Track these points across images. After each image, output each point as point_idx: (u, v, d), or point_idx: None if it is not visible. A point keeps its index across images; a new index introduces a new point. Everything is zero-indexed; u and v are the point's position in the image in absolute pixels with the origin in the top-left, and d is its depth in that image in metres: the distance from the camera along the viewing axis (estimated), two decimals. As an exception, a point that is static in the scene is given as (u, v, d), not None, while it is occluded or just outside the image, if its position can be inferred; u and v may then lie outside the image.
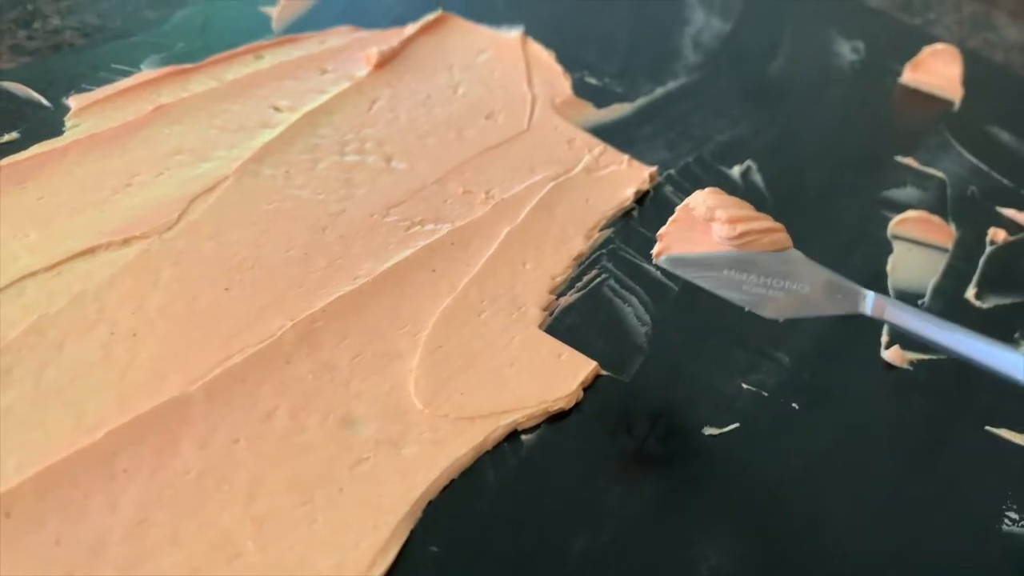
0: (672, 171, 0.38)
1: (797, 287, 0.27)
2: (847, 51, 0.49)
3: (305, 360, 0.28)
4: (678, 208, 0.28)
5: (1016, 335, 0.35)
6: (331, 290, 0.30)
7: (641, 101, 0.42)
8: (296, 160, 0.34)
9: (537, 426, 0.28)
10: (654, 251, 0.28)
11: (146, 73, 0.37)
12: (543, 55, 0.42)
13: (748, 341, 0.32)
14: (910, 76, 0.47)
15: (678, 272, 0.27)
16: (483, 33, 0.43)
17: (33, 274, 0.28)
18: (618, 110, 0.41)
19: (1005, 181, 0.42)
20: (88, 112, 0.35)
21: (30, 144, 0.33)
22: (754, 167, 0.39)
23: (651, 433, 0.29)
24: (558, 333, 0.31)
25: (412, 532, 0.24)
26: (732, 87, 0.44)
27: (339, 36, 0.41)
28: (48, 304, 0.28)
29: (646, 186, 0.37)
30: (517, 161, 0.37)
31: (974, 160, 0.43)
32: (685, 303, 0.33)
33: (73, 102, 0.35)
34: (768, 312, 0.27)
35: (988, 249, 0.38)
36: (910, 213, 0.38)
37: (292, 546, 0.23)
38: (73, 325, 0.27)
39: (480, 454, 0.27)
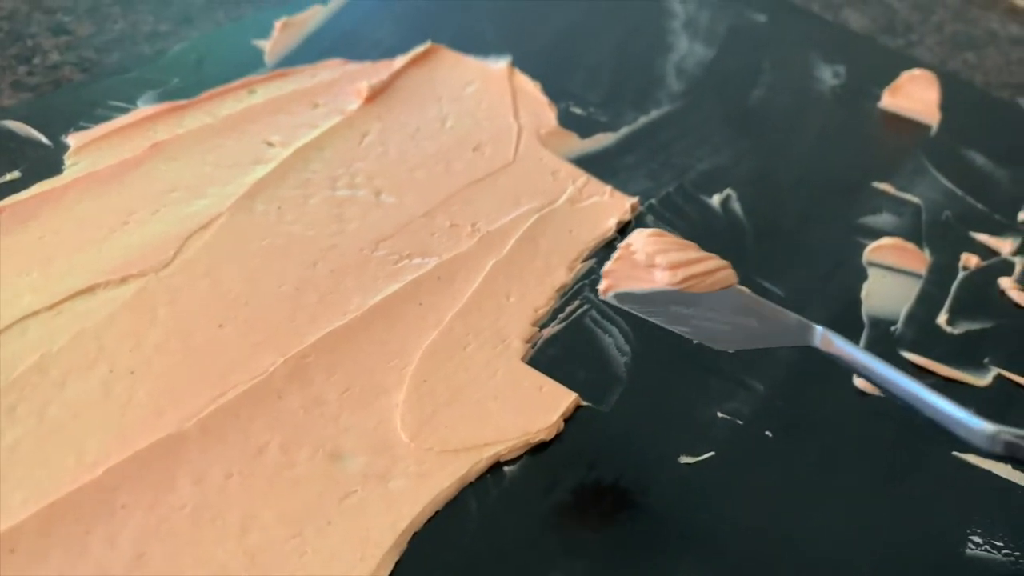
0: (653, 201, 0.39)
1: (744, 321, 0.28)
2: (828, 76, 0.50)
3: (296, 395, 0.29)
4: (620, 246, 0.28)
5: (985, 360, 0.36)
6: (321, 325, 0.31)
7: (625, 130, 0.43)
8: (288, 195, 0.36)
9: (519, 457, 0.29)
10: (600, 288, 0.28)
11: (143, 110, 0.38)
12: (529, 86, 0.44)
13: (724, 370, 0.33)
14: (889, 101, 0.48)
15: (626, 308, 0.28)
16: (471, 65, 0.44)
17: (35, 313, 0.30)
18: (602, 140, 0.42)
19: (979, 206, 0.43)
20: (87, 150, 0.36)
21: (31, 183, 0.34)
22: (734, 196, 0.41)
23: (629, 463, 0.30)
24: (541, 365, 0.32)
25: (397, 564, 0.26)
26: (714, 114, 0.45)
27: (330, 69, 0.42)
28: (50, 343, 0.29)
29: (628, 216, 0.38)
30: (503, 193, 0.38)
31: (949, 185, 0.44)
32: (665, 333, 0.34)
33: (72, 140, 0.36)
34: (718, 344, 0.28)
35: (960, 275, 0.39)
36: (885, 240, 0.40)
37: (283, 579, 0.25)
38: (74, 363, 0.29)
39: (464, 486, 0.28)
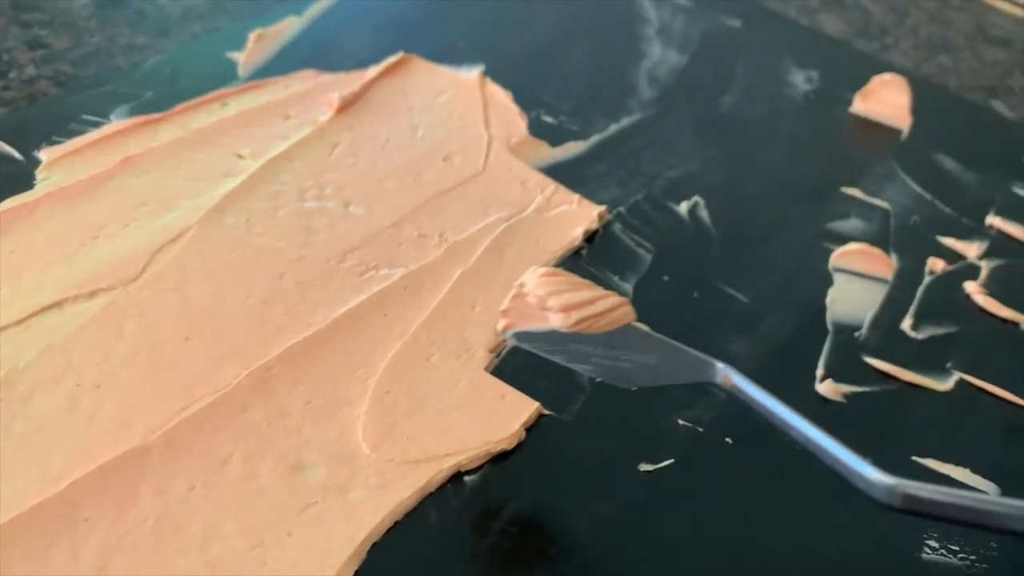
0: (622, 209, 0.40)
1: (644, 358, 0.27)
2: (801, 81, 0.50)
3: (259, 407, 0.29)
4: (515, 284, 0.27)
5: (948, 365, 0.36)
6: (286, 337, 0.31)
7: (595, 138, 0.43)
8: (257, 208, 0.36)
9: (480, 467, 0.30)
10: (498, 327, 0.28)
11: (115, 124, 0.38)
12: (500, 96, 0.44)
13: (686, 378, 0.33)
14: (860, 106, 0.49)
15: (526, 347, 0.28)
16: (443, 74, 0.45)
17: (3, 328, 0.30)
18: (572, 148, 0.43)
19: (947, 210, 0.44)
20: (58, 165, 0.36)
21: (2, 198, 0.34)
22: (702, 203, 0.41)
23: (589, 471, 0.30)
24: (504, 374, 0.32)
25: (356, 574, 0.26)
26: (685, 122, 0.46)
27: (303, 81, 0.42)
28: (17, 358, 0.29)
29: (595, 225, 0.38)
30: (472, 203, 0.38)
31: (918, 189, 0.44)
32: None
33: (44, 155, 0.36)
34: (621, 382, 0.28)
35: (927, 279, 0.40)
36: (851, 246, 0.40)
37: (242, 589, 0.25)
38: (40, 378, 0.29)
39: (424, 496, 0.28)
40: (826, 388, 0.34)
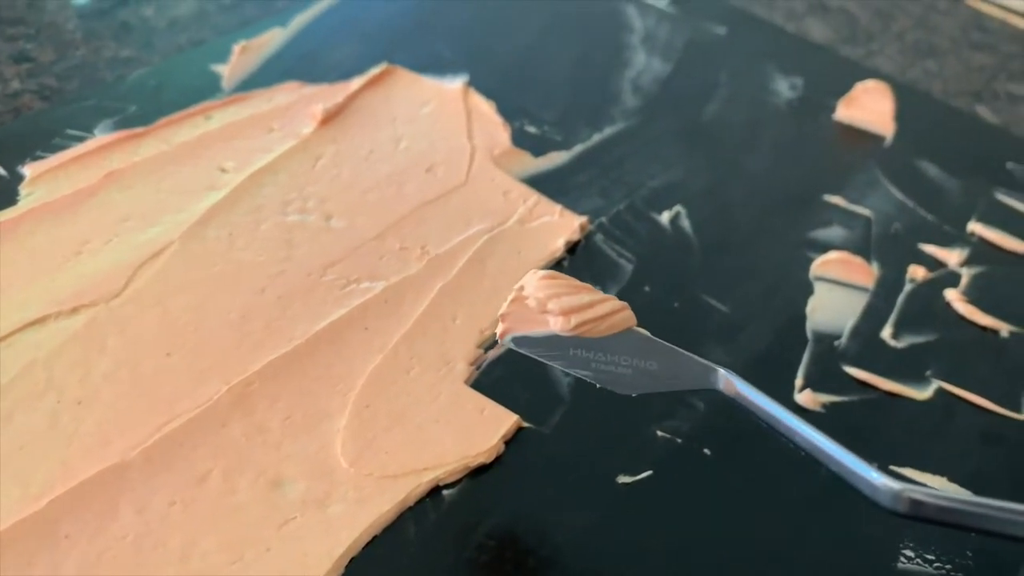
0: (604, 219, 0.40)
1: (645, 364, 0.27)
2: (784, 88, 0.51)
3: (239, 423, 0.30)
4: (515, 288, 0.27)
5: (927, 373, 0.36)
6: (266, 352, 0.32)
7: (578, 148, 0.44)
8: (240, 221, 0.36)
9: (459, 481, 0.30)
10: (497, 332, 0.27)
11: (99, 139, 0.39)
12: (484, 106, 0.44)
13: (666, 389, 0.34)
14: (843, 113, 0.49)
15: (524, 352, 0.27)
16: (427, 85, 0.45)
17: (-14, 346, 0.30)
18: (555, 158, 0.43)
19: (929, 217, 0.44)
20: (42, 180, 0.36)
21: (-14, 214, 0.35)
22: (683, 212, 0.41)
23: (567, 484, 0.30)
24: (484, 387, 0.33)
25: (333, 588, 0.26)
26: (668, 131, 0.46)
27: (286, 93, 0.43)
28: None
29: (577, 236, 0.39)
30: (454, 214, 0.39)
31: (900, 196, 0.45)
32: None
33: (28, 170, 0.37)
34: (621, 389, 0.28)
35: (907, 287, 0.40)
36: (832, 254, 0.40)
37: (220, 606, 0.25)
38: (22, 394, 0.29)
39: (403, 510, 0.29)
40: (805, 398, 0.34)
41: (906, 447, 0.34)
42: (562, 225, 0.39)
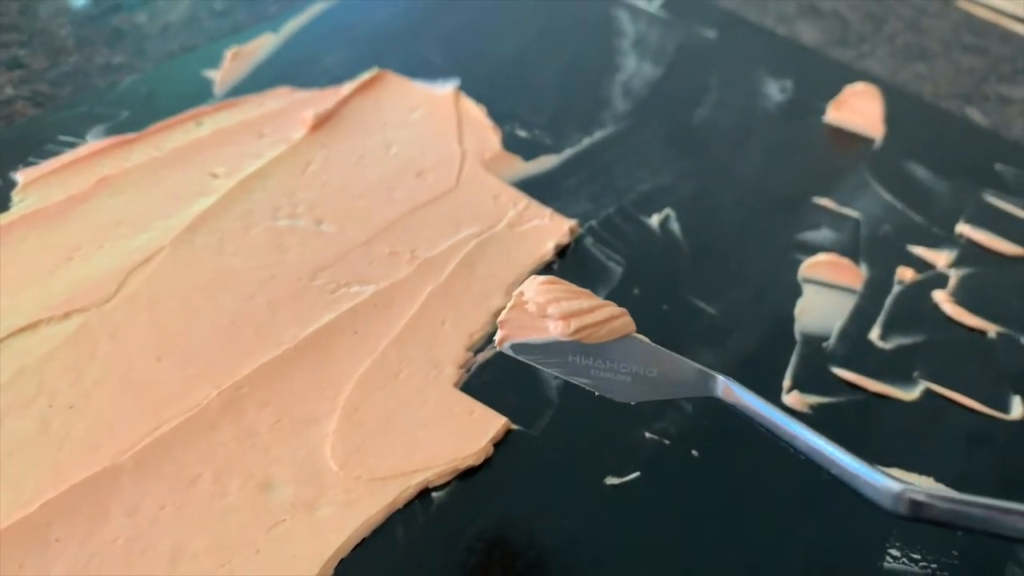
0: (594, 222, 0.40)
1: (644, 371, 0.27)
2: (775, 91, 0.51)
3: (229, 427, 0.30)
4: (515, 294, 0.27)
5: (915, 374, 0.37)
6: (256, 357, 0.32)
7: (568, 152, 0.44)
8: (230, 227, 0.36)
9: (448, 483, 0.30)
10: (496, 339, 0.27)
11: (91, 144, 0.39)
12: (474, 111, 0.44)
13: (654, 391, 0.34)
14: (833, 115, 0.49)
15: (523, 359, 0.27)
16: (417, 90, 0.45)
17: (-23, 351, 0.31)
18: (545, 162, 0.43)
19: (918, 219, 0.44)
20: (35, 186, 0.37)
21: (-22, 221, 0.35)
22: (673, 215, 0.41)
23: (556, 485, 0.31)
24: (473, 390, 0.33)
25: (322, 591, 0.27)
26: (658, 134, 0.46)
27: (277, 98, 0.43)
28: (-10, 380, 0.30)
29: (566, 240, 0.39)
30: (444, 219, 0.39)
31: (889, 198, 0.45)
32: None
33: (21, 176, 0.37)
34: (619, 396, 0.28)
35: (895, 289, 0.40)
36: (820, 256, 0.40)
37: (208, 609, 0.26)
38: (14, 400, 0.29)
39: (391, 513, 0.29)
40: (792, 399, 0.35)
41: (894, 448, 0.34)
42: (552, 229, 0.39)
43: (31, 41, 0.46)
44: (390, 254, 0.37)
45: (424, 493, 0.30)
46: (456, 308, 0.35)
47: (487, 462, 0.31)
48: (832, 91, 0.50)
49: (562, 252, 0.39)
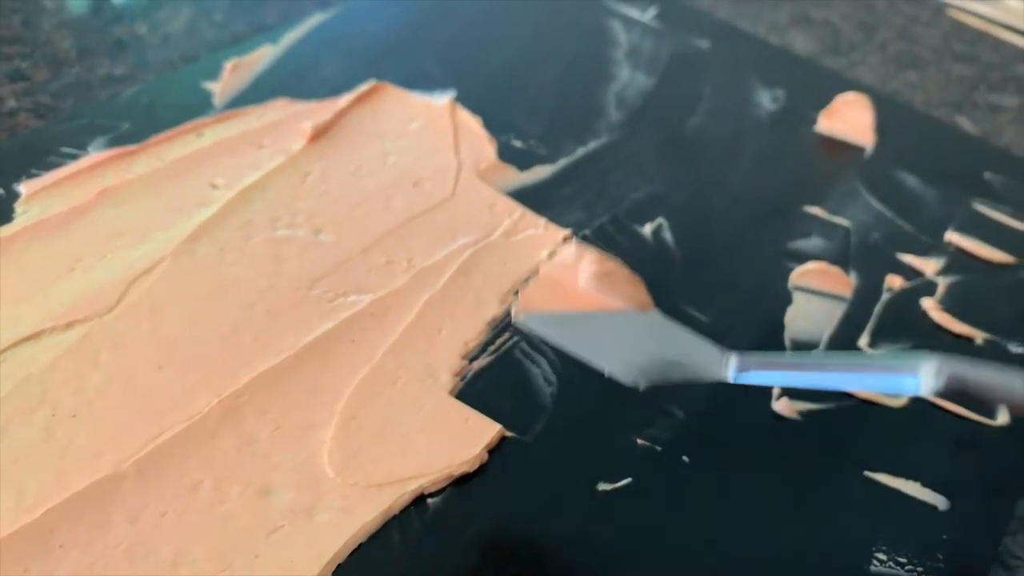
0: (587, 231, 0.41)
1: (659, 350, 0.28)
2: (767, 100, 0.52)
3: (229, 434, 0.31)
4: (542, 267, 0.27)
5: (903, 381, 0.37)
6: (255, 365, 0.33)
7: (562, 162, 0.45)
8: (229, 237, 0.37)
9: (443, 489, 0.31)
10: (513, 311, 0.27)
11: (92, 156, 0.39)
12: (470, 121, 0.45)
13: (646, 397, 0.34)
14: (824, 124, 0.50)
15: (537, 331, 0.27)
16: (414, 101, 0.46)
17: (-18, 361, 0.31)
18: (540, 172, 0.44)
19: (907, 227, 0.45)
20: (37, 198, 0.37)
21: (-18, 232, 0.35)
22: (665, 224, 0.42)
23: (549, 492, 0.31)
24: (468, 397, 0.33)
25: (320, 595, 0.27)
26: (651, 144, 0.47)
27: (276, 110, 0.44)
28: (-5, 389, 0.30)
29: (560, 249, 0.39)
30: (440, 228, 0.40)
31: (879, 207, 0.46)
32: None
33: (24, 188, 0.38)
34: (630, 378, 0.27)
35: (884, 297, 0.41)
36: (810, 264, 0.41)
37: (209, 612, 0.26)
38: (17, 408, 0.30)
39: (388, 519, 0.29)
40: (782, 406, 0.35)
41: (882, 453, 0.34)
42: (547, 238, 0.40)
43: (33, 53, 0.46)
44: (387, 263, 0.37)
45: (420, 499, 0.30)
46: (452, 316, 0.36)
47: (482, 468, 0.31)
48: (823, 100, 0.51)
49: (556, 261, 0.39)
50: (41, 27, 0.48)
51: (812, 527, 0.32)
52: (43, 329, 0.32)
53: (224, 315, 0.34)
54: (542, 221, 0.41)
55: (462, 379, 0.34)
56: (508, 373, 0.35)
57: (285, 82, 0.46)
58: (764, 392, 0.36)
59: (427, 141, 0.44)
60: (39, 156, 0.39)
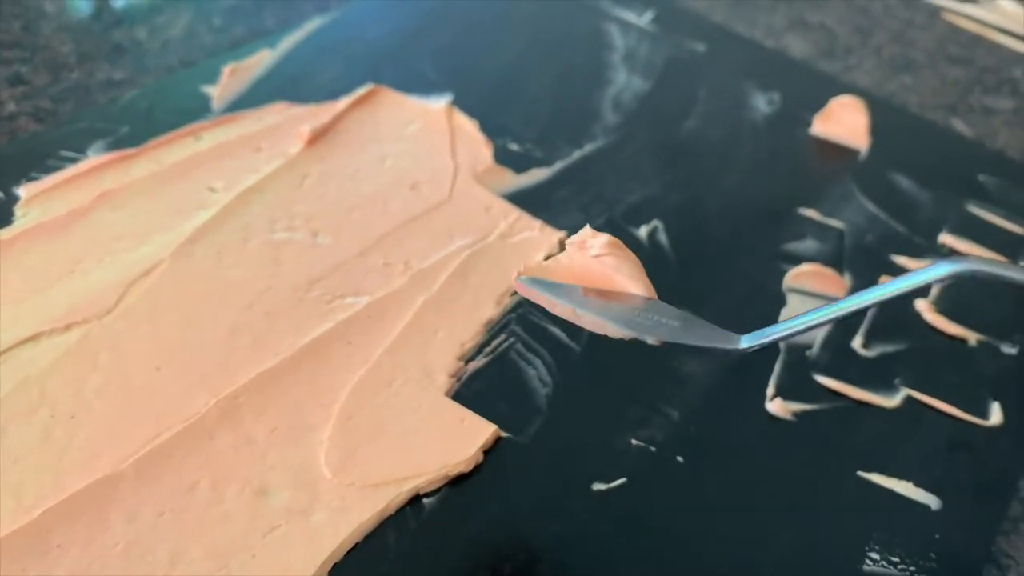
0: (583, 234, 0.41)
1: (666, 321, 0.27)
2: (762, 104, 0.52)
3: (227, 435, 0.31)
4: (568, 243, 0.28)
5: (896, 381, 0.38)
6: (253, 367, 0.33)
7: (559, 165, 0.45)
8: (228, 240, 0.37)
9: (439, 490, 0.31)
10: (521, 268, 0.28)
11: (92, 159, 0.40)
12: (467, 125, 0.45)
13: (640, 398, 0.35)
14: (819, 127, 0.50)
15: (535, 293, 0.27)
16: (412, 105, 0.46)
17: (-19, 362, 0.31)
18: (536, 175, 0.44)
19: (901, 229, 0.45)
20: (37, 201, 0.38)
21: (-18, 235, 0.36)
22: (660, 227, 0.42)
23: (544, 492, 0.31)
24: (464, 398, 0.34)
25: (316, 594, 0.27)
26: (647, 147, 0.47)
27: (275, 114, 0.44)
28: (-6, 391, 0.31)
29: (556, 251, 0.40)
30: (437, 231, 0.40)
31: (874, 209, 0.46)
32: (586, 363, 0.36)
33: (23, 191, 0.38)
34: (642, 333, 0.27)
35: (878, 298, 0.41)
36: (805, 266, 0.41)
37: (206, 611, 0.26)
38: (16, 410, 0.30)
39: (383, 519, 0.30)
40: (775, 407, 0.35)
41: (875, 454, 0.35)
42: (543, 240, 0.40)
43: (33, 57, 0.47)
44: (384, 265, 0.38)
45: (416, 499, 0.30)
46: (448, 318, 0.36)
47: (477, 469, 0.32)
48: (818, 103, 0.51)
49: (552, 263, 0.40)
50: (41, 31, 0.48)
51: (805, 527, 0.32)
52: (42, 331, 0.33)
53: (222, 317, 0.34)
54: (538, 223, 0.41)
55: (458, 380, 0.34)
56: (504, 374, 0.35)
57: (283, 86, 0.46)
58: (758, 393, 0.36)
59: (424, 144, 0.44)
60: (39, 160, 0.39)
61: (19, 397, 0.31)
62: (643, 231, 0.42)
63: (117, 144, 0.41)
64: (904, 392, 0.37)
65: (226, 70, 0.46)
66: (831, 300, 0.40)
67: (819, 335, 0.39)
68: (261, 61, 0.47)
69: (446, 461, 0.31)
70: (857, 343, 0.39)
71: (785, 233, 0.44)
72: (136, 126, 0.42)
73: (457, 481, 0.31)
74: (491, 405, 0.34)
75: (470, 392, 0.34)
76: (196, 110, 0.44)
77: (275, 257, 0.37)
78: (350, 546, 0.29)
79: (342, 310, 0.35)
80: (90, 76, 0.46)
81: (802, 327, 0.27)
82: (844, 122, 0.50)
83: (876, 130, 0.50)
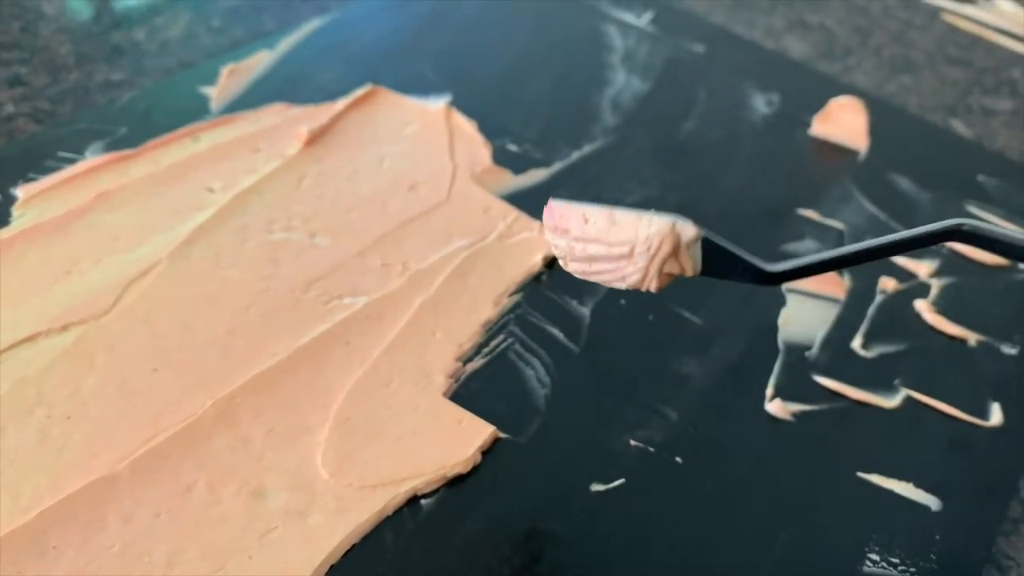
0: (582, 235, 0.41)
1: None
2: (761, 104, 0.52)
3: (224, 435, 0.31)
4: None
5: (896, 382, 0.37)
6: (251, 367, 0.33)
7: (558, 166, 0.45)
8: (225, 241, 0.37)
9: (436, 491, 0.31)
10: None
11: (89, 160, 0.40)
12: (466, 126, 0.45)
13: (639, 398, 0.35)
14: (818, 128, 0.50)
15: (572, 206, 0.28)
16: (410, 106, 0.46)
17: (-22, 363, 0.31)
18: (535, 176, 0.44)
19: (900, 229, 0.45)
20: (34, 201, 0.38)
21: (-20, 236, 0.36)
22: (660, 227, 0.42)
23: (542, 492, 0.31)
24: (462, 399, 0.34)
25: (313, 595, 0.27)
26: (646, 148, 0.47)
27: (273, 115, 0.44)
28: (-9, 391, 0.31)
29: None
30: (435, 231, 0.40)
31: (873, 210, 0.46)
32: (584, 363, 0.36)
33: (21, 192, 0.38)
34: (692, 227, 0.28)
35: (878, 299, 0.41)
36: (804, 267, 0.41)
37: (202, 613, 0.26)
38: (13, 411, 0.30)
39: (381, 520, 0.30)
40: (775, 407, 0.35)
41: (875, 454, 0.35)
42: (541, 241, 0.40)
43: (32, 59, 0.47)
44: (382, 266, 0.38)
45: (413, 500, 0.30)
46: (446, 319, 0.36)
47: (475, 470, 0.32)
48: (818, 104, 0.51)
49: (551, 264, 0.40)
50: (40, 33, 0.48)
51: (805, 527, 0.32)
52: (39, 332, 0.33)
53: (219, 318, 0.34)
54: (537, 224, 0.41)
55: (456, 381, 0.34)
56: (502, 375, 0.35)
57: (281, 87, 0.46)
58: (757, 393, 0.36)
59: (422, 145, 0.44)
60: (37, 160, 0.39)
61: (16, 397, 0.31)
62: (642, 232, 0.42)
63: (115, 145, 0.41)
64: (904, 392, 0.37)
65: (224, 71, 0.46)
66: (831, 300, 0.40)
67: (819, 335, 0.39)
68: (260, 62, 0.47)
69: (444, 462, 0.31)
70: (857, 343, 0.39)
71: (785, 234, 0.44)
72: (134, 127, 0.42)
73: (455, 482, 0.31)
74: (489, 406, 0.33)
75: (468, 393, 0.34)
76: (194, 111, 0.44)
77: (273, 258, 0.37)
78: (347, 547, 0.29)
79: (340, 311, 0.35)
80: (89, 77, 0.46)
81: (827, 257, 0.28)
82: (843, 123, 0.50)
83: (875, 131, 0.50)
